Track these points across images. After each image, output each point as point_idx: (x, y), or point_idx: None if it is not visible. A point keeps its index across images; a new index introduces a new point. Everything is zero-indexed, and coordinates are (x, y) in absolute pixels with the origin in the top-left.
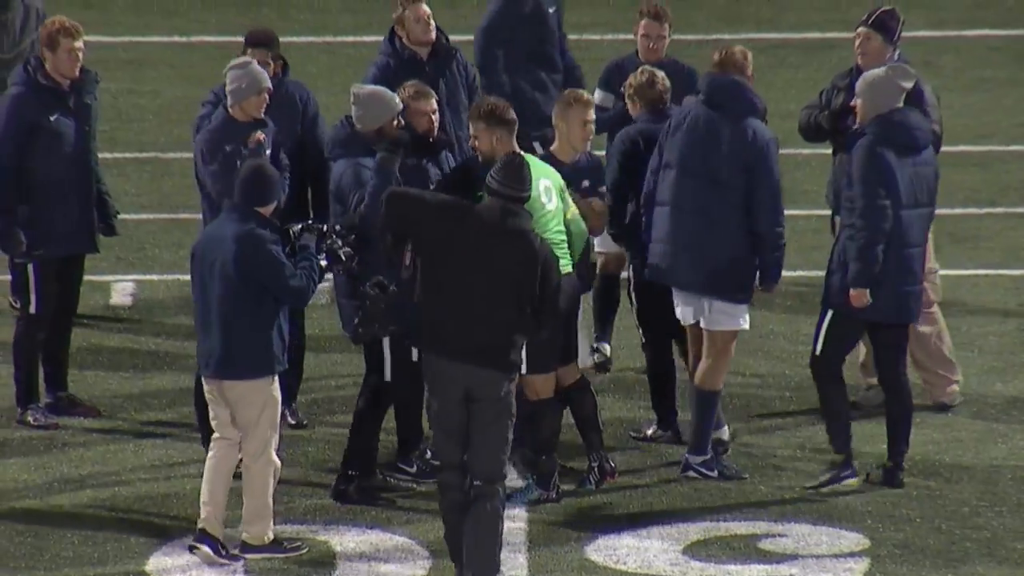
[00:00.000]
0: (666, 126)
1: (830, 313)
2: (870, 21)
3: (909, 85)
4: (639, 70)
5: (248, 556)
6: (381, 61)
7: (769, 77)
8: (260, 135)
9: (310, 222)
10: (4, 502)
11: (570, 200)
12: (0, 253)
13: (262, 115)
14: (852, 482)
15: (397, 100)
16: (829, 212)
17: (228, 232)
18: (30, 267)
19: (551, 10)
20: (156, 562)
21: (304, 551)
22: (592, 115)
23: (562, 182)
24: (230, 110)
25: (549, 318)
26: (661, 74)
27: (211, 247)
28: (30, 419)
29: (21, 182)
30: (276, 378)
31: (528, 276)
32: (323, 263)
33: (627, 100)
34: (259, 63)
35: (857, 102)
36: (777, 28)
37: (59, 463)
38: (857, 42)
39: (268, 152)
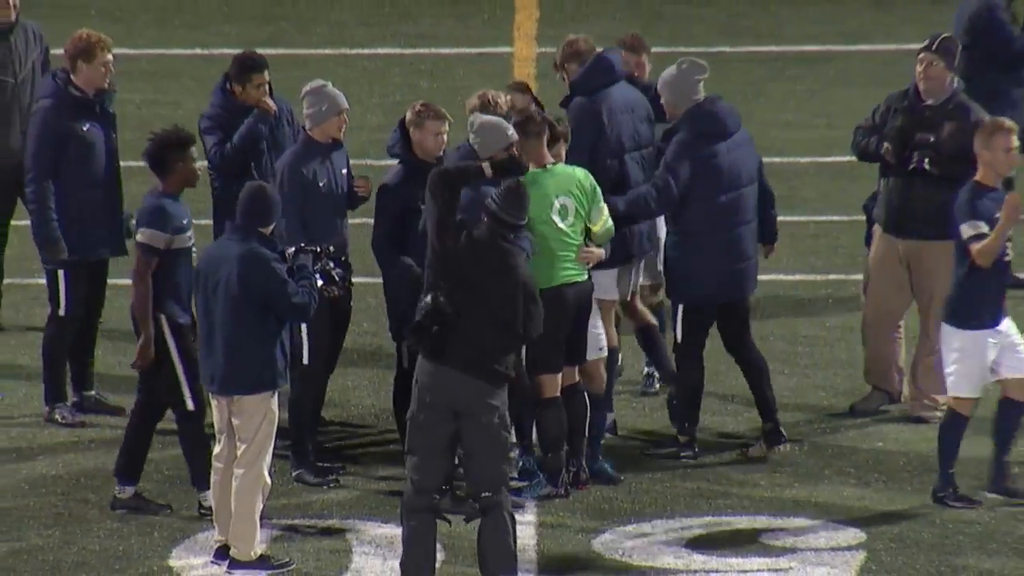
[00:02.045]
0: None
1: (680, 306)
2: (934, 47)
3: (703, 76)
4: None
5: (235, 572)
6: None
7: (769, 88)
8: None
9: (303, 245)
10: (33, 497)
11: (604, 209)
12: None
13: (341, 136)
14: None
15: (511, 131)
16: (826, 218)
17: (232, 251)
18: (60, 272)
19: None
20: (179, 556)
21: (292, 567)
22: (1016, 141)
23: (595, 192)
24: (310, 132)
25: (531, 334)
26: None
27: (214, 266)
28: (58, 417)
29: (56, 190)
30: (276, 394)
31: (513, 304)
32: (319, 283)
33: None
34: (262, 85)
35: (663, 101)
36: (776, 41)
37: (85, 460)
38: (921, 67)
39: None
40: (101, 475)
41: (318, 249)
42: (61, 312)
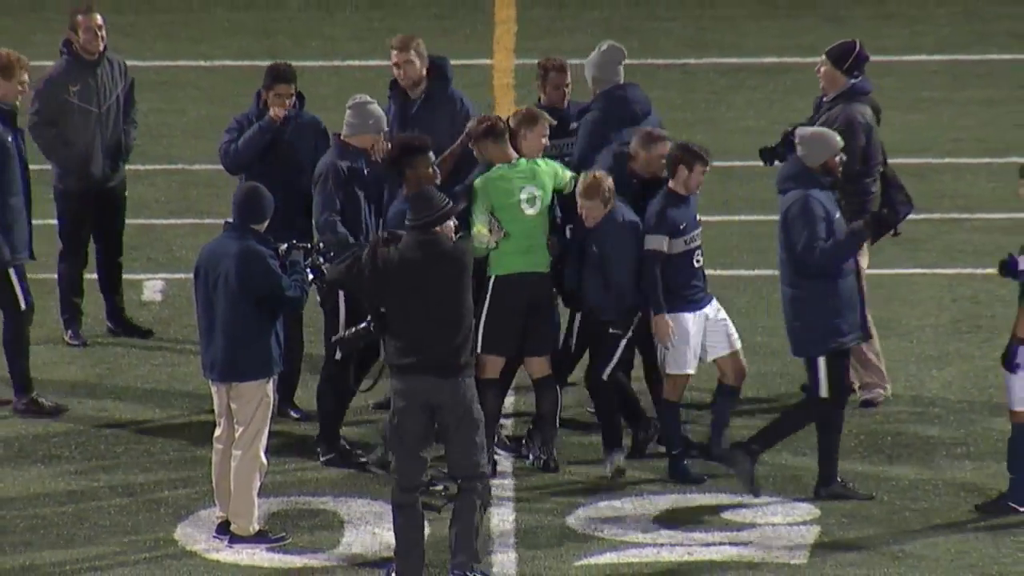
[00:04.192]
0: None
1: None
2: (827, 49)
3: (623, 59)
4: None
5: (236, 546)
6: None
7: (731, 97)
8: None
9: (295, 241)
10: (48, 479)
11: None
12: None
13: (371, 151)
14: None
15: (837, 139)
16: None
17: (229, 249)
18: (11, 271)
19: None
20: (183, 530)
21: (287, 541)
22: None
23: (562, 180)
24: (347, 139)
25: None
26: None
27: (214, 263)
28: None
29: None
30: (271, 380)
31: (465, 283)
32: (309, 277)
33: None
34: (283, 96)
35: (588, 79)
36: (739, 53)
37: (96, 443)
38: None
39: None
40: (111, 457)
41: (308, 245)
42: (22, 307)
